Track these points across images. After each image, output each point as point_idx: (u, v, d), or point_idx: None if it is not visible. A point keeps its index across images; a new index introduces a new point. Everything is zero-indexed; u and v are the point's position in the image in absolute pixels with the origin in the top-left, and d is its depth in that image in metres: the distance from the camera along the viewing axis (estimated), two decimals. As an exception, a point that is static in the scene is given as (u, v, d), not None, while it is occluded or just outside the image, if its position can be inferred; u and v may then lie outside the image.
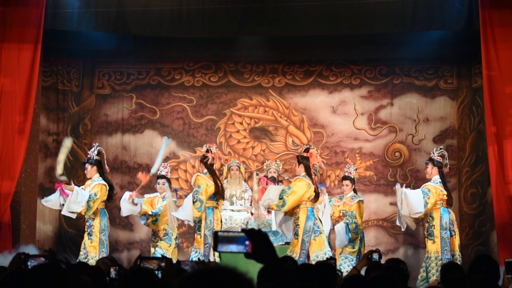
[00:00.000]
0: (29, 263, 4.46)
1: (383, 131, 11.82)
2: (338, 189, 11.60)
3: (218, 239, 2.64)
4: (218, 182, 9.82)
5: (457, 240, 9.60)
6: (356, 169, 10.63)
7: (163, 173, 10.41)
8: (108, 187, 9.90)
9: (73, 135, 11.82)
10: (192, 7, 10.37)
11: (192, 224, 9.78)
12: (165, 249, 10.21)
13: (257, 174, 11.18)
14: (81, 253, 9.81)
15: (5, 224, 9.70)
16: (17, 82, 9.88)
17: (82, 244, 9.83)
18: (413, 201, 9.43)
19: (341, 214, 10.25)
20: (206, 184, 9.75)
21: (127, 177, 11.82)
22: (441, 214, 9.54)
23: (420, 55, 11.47)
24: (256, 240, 2.60)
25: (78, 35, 10.88)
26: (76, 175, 11.71)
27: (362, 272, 5.45)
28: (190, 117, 11.99)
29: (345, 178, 10.38)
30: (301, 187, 9.31)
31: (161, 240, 10.26)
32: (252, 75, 12.01)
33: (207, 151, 9.94)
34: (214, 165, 9.96)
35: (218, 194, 9.83)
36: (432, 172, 9.77)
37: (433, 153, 9.90)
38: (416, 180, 11.40)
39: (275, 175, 11.17)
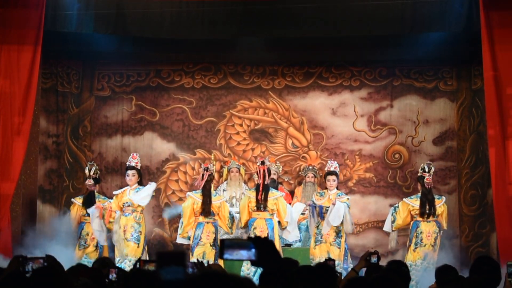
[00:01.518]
0: (27, 266, 4.45)
1: (382, 133, 11.82)
2: (338, 191, 11.59)
3: (225, 246, 2.63)
4: (206, 201, 9.81)
5: (416, 253, 9.78)
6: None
7: (133, 163, 9.98)
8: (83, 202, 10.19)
9: (72, 137, 11.82)
10: (191, 8, 10.37)
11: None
12: (132, 252, 9.61)
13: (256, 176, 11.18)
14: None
15: (5, 225, 9.68)
16: (16, 84, 9.86)
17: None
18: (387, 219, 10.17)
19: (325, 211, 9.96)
20: (192, 203, 9.83)
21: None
22: (411, 227, 9.96)
23: (419, 57, 11.46)
24: (262, 248, 2.60)
25: (78, 36, 10.85)
26: (76, 177, 11.70)
27: (361, 274, 5.44)
28: (190, 119, 11.98)
29: (331, 173, 10.05)
30: (242, 205, 10.04)
31: (127, 240, 9.67)
32: (251, 77, 12.01)
33: (205, 169, 9.96)
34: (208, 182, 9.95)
35: (204, 212, 9.80)
36: (419, 188, 10.14)
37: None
38: (416, 182, 11.36)
39: (275, 177, 11.17)
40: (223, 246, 2.63)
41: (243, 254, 2.62)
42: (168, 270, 2.60)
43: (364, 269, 5.44)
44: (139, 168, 10.07)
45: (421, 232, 9.82)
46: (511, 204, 9.52)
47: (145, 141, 11.96)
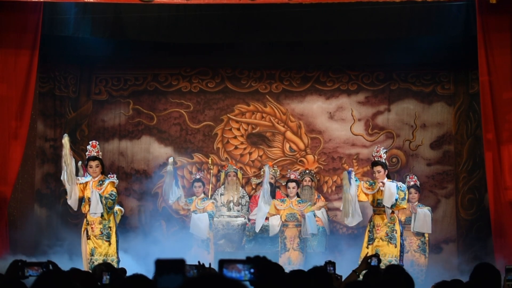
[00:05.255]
0: (25, 271, 4.43)
1: (380, 137, 11.82)
2: (335, 195, 11.60)
3: (223, 266, 2.64)
4: None
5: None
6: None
7: (93, 154, 9.37)
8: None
9: (70, 141, 11.78)
10: (189, 13, 10.38)
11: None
12: (104, 251, 9.10)
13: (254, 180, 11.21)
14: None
15: (2, 229, 9.67)
16: (13, 88, 9.85)
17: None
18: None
19: None
20: None
21: (124, 183, 11.78)
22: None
23: (417, 61, 11.48)
24: (261, 268, 2.61)
25: (75, 41, 10.87)
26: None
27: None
28: (187, 123, 11.98)
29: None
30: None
31: (96, 238, 9.07)
32: (249, 81, 12.01)
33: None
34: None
35: None
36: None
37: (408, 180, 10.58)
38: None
39: (272, 181, 11.17)
40: (221, 266, 2.65)
41: (237, 275, 2.63)
42: (166, 278, 2.60)
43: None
44: (100, 158, 9.47)
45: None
46: (507, 208, 9.52)
47: (142, 145, 11.96)
